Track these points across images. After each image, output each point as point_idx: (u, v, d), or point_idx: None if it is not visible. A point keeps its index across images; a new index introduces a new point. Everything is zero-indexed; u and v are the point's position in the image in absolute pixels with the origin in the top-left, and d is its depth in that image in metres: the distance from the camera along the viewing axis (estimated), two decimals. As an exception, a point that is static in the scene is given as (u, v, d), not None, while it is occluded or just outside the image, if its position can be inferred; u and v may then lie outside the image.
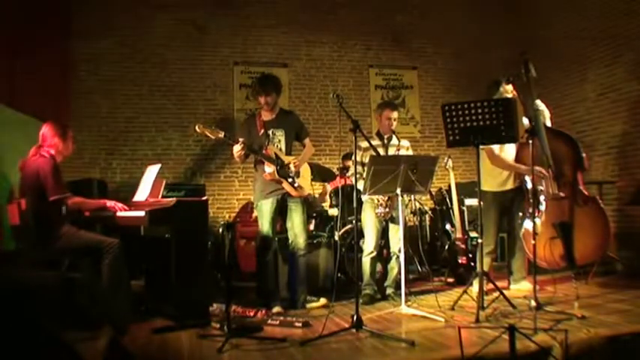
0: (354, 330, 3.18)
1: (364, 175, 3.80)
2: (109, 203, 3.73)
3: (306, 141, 4.31)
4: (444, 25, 7.00)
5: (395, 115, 4.36)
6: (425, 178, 3.77)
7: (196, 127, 3.80)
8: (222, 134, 3.81)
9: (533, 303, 3.46)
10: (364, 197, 4.22)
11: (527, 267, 4.32)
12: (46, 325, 2.36)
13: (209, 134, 3.79)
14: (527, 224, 4.10)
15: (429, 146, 6.93)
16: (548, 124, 4.21)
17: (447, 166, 5.15)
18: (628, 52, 5.54)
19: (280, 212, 4.12)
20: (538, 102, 4.08)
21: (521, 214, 4.26)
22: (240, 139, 3.89)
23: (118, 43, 6.11)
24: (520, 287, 4.34)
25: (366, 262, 4.28)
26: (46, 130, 3.62)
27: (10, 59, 4.37)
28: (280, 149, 4.13)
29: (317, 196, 5.92)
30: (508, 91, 4.23)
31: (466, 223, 5.32)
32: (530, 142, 3.62)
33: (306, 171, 4.25)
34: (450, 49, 7.05)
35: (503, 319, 3.38)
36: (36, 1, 5.02)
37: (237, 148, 3.86)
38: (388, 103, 4.64)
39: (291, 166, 4.07)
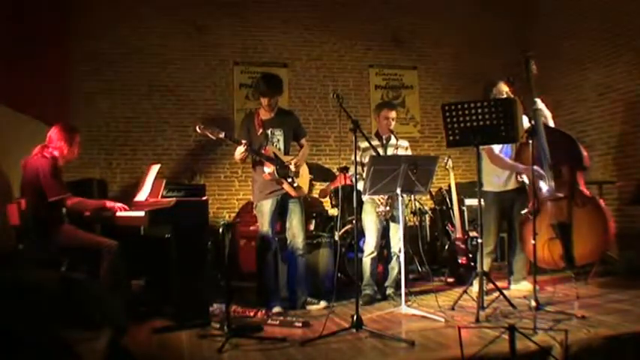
0: (354, 330, 3.18)
1: (364, 175, 3.80)
2: (109, 203, 3.73)
3: (303, 141, 4.31)
4: (444, 25, 6.99)
5: (393, 114, 4.35)
6: (425, 178, 3.77)
7: (197, 128, 3.82)
8: (222, 134, 3.82)
9: (533, 303, 3.47)
10: (364, 197, 4.22)
11: (529, 268, 4.32)
12: (46, 325, 2.36)
13: (210, 134, 3.80)
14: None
15: (429, 146, 6.92)
16: (551, 123, 4.20)
17: (447, 166, 5.15)
18: (628, 52, 5.54)
19: (280, 212, 4.12)
20: (538, 101, 4.08)
21: (523, 212, 4.25)
22: (243, 141, 3.91)
23: (118, 43, 6.10)
24: (520, 287, 4.33)
25: (366, 262, 4.28)
26: (54, 132, 3.62)
27: (10, 59, 4.37)
28: (279, 149, 4.13)
29: (319, 192, 5.94)
30: (502, 91, 4.22)
31: (466, 223, 5.32)
32: (530, 142, 3.61)
33: (304, 171, 4.25)
34: (450, 49, 7.04)
35: (503, 319, 3.37)
36: (36, 1, 5.01)
37: (240, 150, 3.89)
38: (386, 103, 4.64)
39: (291, 166, 4.07)
